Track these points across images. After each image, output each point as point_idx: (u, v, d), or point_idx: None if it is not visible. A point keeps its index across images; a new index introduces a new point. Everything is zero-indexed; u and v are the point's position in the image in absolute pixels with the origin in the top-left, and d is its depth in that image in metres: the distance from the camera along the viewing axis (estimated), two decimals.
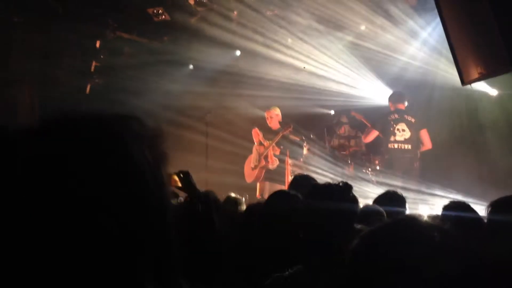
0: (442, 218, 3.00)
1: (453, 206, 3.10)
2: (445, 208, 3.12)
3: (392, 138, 7.71)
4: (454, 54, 4.02)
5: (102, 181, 0.80)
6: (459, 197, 6.10)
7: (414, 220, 1.15)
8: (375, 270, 1.06)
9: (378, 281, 1.05)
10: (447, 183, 7.15)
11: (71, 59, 8.37)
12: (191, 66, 10.22)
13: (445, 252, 1.00)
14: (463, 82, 4.33)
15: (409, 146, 7.68)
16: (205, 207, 1.46)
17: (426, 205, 6.85)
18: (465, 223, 2.76)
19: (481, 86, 7.61)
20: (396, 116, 7.75)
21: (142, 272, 0.82)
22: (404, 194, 3.97)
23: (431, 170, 7.80)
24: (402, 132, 7.68)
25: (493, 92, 7.82)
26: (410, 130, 7.67)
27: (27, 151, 0.80)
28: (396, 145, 7.70)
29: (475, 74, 4.01)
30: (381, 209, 3.24)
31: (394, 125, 7.71)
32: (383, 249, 1.08)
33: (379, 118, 8.05)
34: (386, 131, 7.77)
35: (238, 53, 9.58)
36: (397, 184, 6.95)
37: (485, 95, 7.84)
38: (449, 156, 8.28)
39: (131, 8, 8.30)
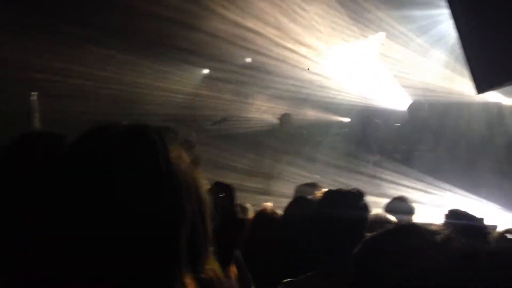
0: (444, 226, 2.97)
1: (454, 215, 3.06)
2: (447, 216, 3.08)
3: None
4: (468, 61, 3.98)
5: (146, 183, 0.91)
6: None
7: (414, 227, 1.15)
8: (375, 276, 1.07)
9: (380, 286, 1.05)
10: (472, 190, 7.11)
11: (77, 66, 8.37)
12: (206, 71, 10.20)
13: (447, 260, 1.01)
14: (478, 90, 4.28)
15: None
16: (228, 197, 1.50)
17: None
18: (468, 231, 2.74)
19: (496, 96, 7.58)
20: None
21: (180, 258, 0.92)
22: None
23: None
24: None
25: (509, 101, 7.77)
26: None
27: (80, 155, 0.93)
28: None
29: (490, 82, 3.97)
30: (390, 217, 3.22)
31: None
32: (383, 255, 1.09)
33: None
34: None
35: (249, 59, 9.52)
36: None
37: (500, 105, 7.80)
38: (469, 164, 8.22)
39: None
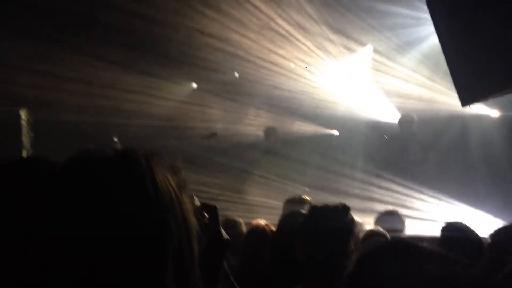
0: (441, 239, 3.00)
1: (451, 228, 3.09)
2: (444, 229, 3.11)
3: None
4: (452, 73, 3.99)
5: (133, 207, 0.94)
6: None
7: (404, 245, 1.14)
8: None
9: None
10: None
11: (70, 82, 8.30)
12: (194, 85, 10.21)
13: (439, 280, 1.01)
14: (463, 103, 4.29)
15: None
16: (212, 218, 1.53)
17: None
18: (463, 245, 2.77)
19: (481, 108, 7.66)
20: None
21: (166, 277, 0.94)
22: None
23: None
24: None
25: (494, 113, 7.85)
26: None
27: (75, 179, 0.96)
28: None
29: (474, 95, 3.98)
30: (384, 232, 3.24)
31: None
32: (376, 274, 1.09)
33: None
34: None
35: (236, 74, 9.54)
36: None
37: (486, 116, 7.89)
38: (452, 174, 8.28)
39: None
